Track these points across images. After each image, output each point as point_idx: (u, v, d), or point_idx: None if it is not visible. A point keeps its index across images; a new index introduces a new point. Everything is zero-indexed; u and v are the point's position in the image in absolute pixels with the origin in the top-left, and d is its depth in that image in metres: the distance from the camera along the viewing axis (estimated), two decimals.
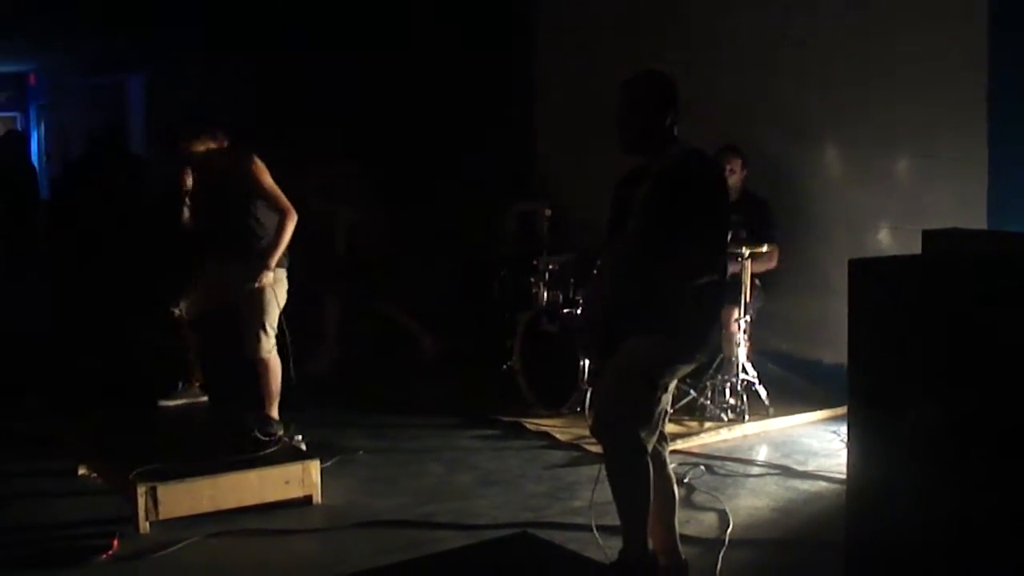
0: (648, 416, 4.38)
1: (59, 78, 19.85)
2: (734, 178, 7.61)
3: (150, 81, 15.72)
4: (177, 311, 6.68)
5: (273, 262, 6.44)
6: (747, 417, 7.30)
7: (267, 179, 6.50)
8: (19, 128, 21.14)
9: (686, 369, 4.64)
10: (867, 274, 3.82)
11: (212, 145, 6.53)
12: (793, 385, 7.98)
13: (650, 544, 4.53)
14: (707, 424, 7.26)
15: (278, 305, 6.55)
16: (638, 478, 4.39)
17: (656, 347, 4.40)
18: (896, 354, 3.72)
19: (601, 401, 4.57)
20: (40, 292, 11.26)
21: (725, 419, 7.31)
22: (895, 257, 4.27)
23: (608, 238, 4.66)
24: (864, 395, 3.85)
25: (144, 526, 5.31)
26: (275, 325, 6.56)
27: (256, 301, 6.48)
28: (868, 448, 3.79)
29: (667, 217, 4.34)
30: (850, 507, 3.93)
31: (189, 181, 6.65)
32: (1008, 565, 3.47)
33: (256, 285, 6.39)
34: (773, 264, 7.82)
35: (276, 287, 6.53)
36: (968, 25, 7.11)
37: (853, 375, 3.90)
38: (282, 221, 6.47)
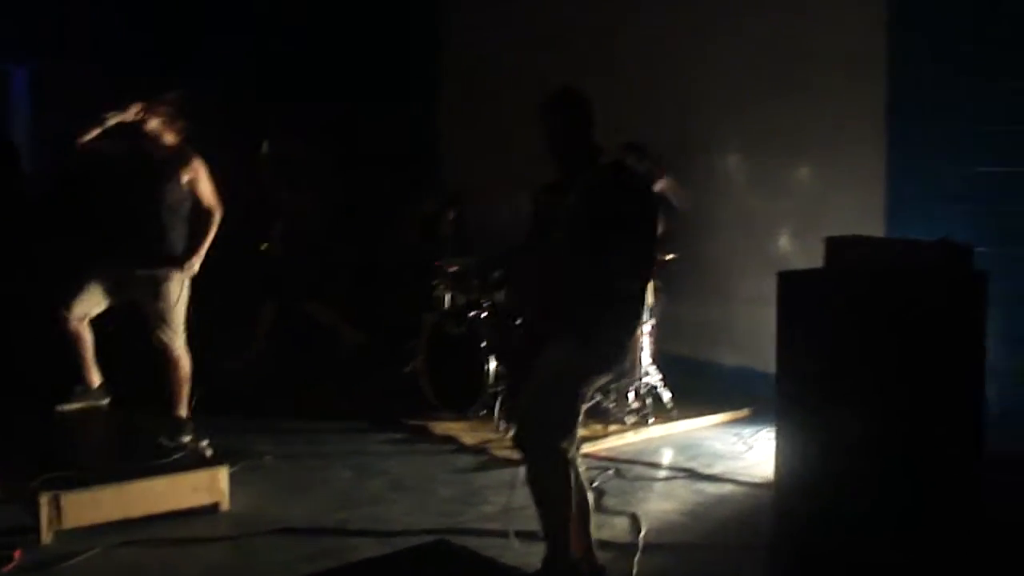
0: (572, 425, 4.41)
1: None
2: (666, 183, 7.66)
3: (37, 74, 15.32)
4: (67, 313, 6.45)
5: (203, 252, 6.44)
6: (651, 420, 7.35)
7: (207, 177, 6.49)
8: None
9: (605, 379, 4.67)
10: (795, 285, 3.87)
11: (167, 134, 6.41)
12: (693, 388, 8.05)
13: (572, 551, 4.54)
14: (611, 427, 7.28)
15: (184, 304, 6.46)
16: (562, 486, 4.42)
17: (578, 358, 4.43)
18: (822, 362, 3.78)
19: (526, 412, 4.54)
20: None
21: (628, 423, 7.35)
22: (821, 269, 4.33)
23: (529, 246, 4.67)
24: (790, 401, 3.91)
25: (47, 536, 5.16)
26: (183, 323, 6.47)
27: (164, 301, 6.40)
28: (793, 451, 3.85)
29: (599, 227, 4.35)
30: (776, 507, 3.99)
31: (90, 139, 6.29)
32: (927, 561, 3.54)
33: (186, 274, 6.40)
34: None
35: (178, 286, 6.45)
36: (869, 40, 7.27)
37: (781, 381, 3.95)
38: (212, 217, 6.50)
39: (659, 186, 7.62)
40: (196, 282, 6.50)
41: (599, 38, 9.07)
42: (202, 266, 6.50)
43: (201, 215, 6.53)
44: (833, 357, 3.70)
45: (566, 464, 4.40)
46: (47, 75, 14.49)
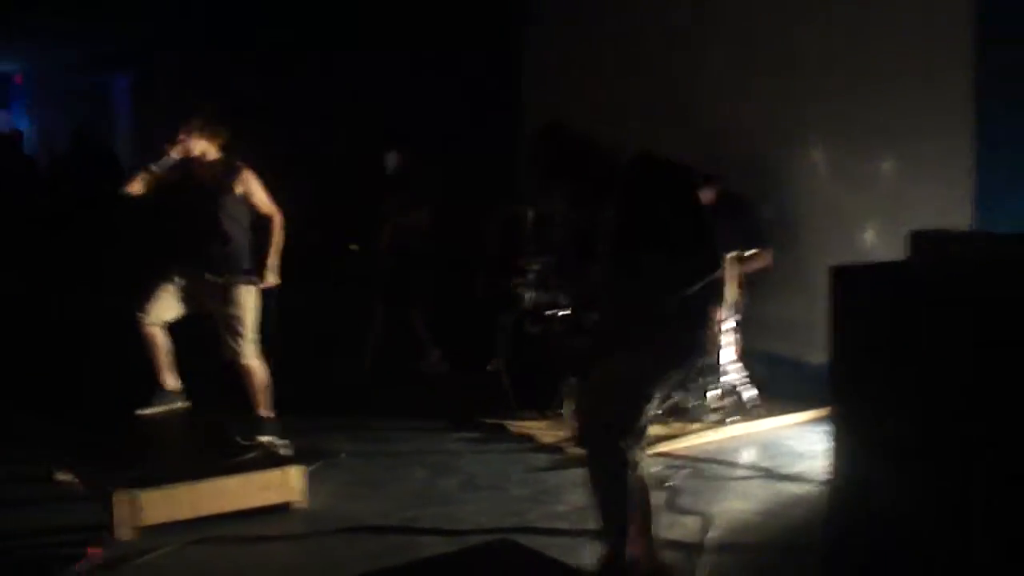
0: (632, 425, 4.35)
1: (45, 78, 19.79)
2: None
3: (135, 81, 15.68)
4: (144, 316, 6.54)
5: (276, 261, 6.54)
6: (733, 419, 7.26)
7: (259, 186, 6.54)
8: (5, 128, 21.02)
9: (675, 378, 4.59)
10: (848, 280, 3.77)
11: (211, 149, 6.47)
12: (779, 386, 7.93)
13: (629, 551, 4.49)
14: (693, 425, 7.21)
15: (255, 310, 6.54)
16: (619, 486, 4.36)
17: (643, 357, 4.37)
18: (876, 360, 3.68)
19: (586, 409, 4.52)
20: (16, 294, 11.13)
21: (711, 421, 7.27)
22: (876, 263, 4.23)
23: (577, 263, 4.65)
24: (846, 400, 3.81)
25: (123, 533, 5.26)
26: (255, 330, 6.54)
27: (235, 306, 6.46)
28: (849, 453, 3.75)
29: (637, 236, 4.29)
30: (830, 511, 3.90)
31: (138, 187, 6.45)
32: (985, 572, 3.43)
33: (262, 286, 6.52)
34: (768, 263, 7.75)
35: (249, 292, 6.54)
36: (954, 26, 7.08)
37: (835, 380, 3.86)
38: (274, 220, 6.59)
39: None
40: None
41: (679, 33, 8.97)
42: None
43: (263, 224, 6.59)
44: (888, 355, 3.60)
45: (624, 464, 4.35)
46: (144, 83, 14.89)
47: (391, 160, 9.09)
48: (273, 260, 6.58)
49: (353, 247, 9.45)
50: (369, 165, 9.32)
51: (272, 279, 6.58)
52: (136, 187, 6.42)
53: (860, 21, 7.66)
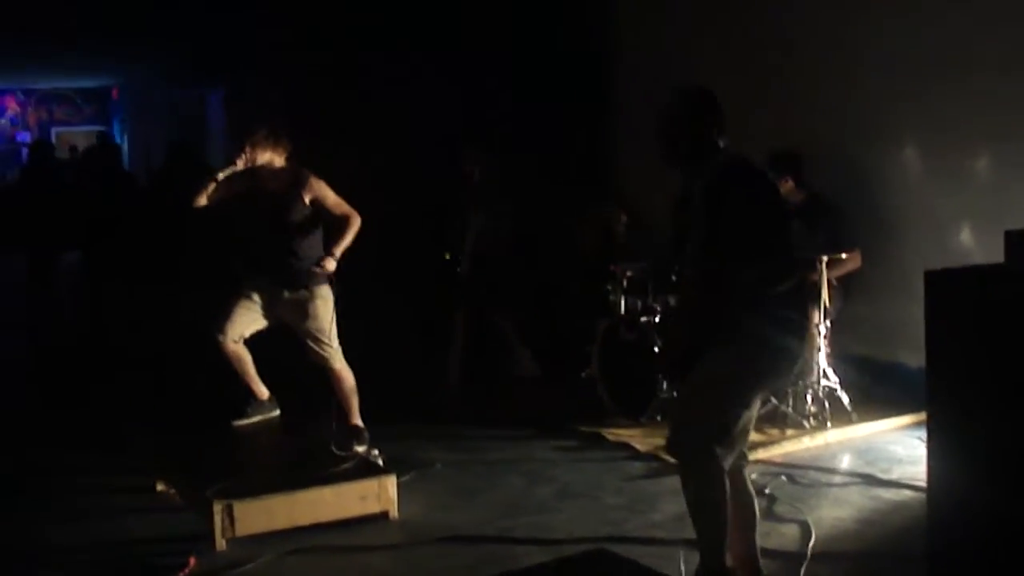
0: (724, 431, 4.30)
1: (141, 93, 20.14)
2: (786, 188, 7.46)
3: (228, 96, 15.89)
4: (222, 336, 6.57)
5: (339, 253, 6.45)
6: (830, 424, 7.16)
7: (329, 190, 6.53)
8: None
9: (772, 383, 4.54)
10: (944, 285, 3.71)
11: (276, 158, 6.49)
12: (876, 390, 7.81)
13: (729, 560, 4.45)
14: (789, 432, 7.10)
15: (333, 318, 6.58)
16: (714, 494, 4.32)
17: (733, 360, 4.32)
18: (975, 365, 3.61)
19: (677, 415, 4.49)
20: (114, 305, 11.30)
21: (807, 426, 7.17)
22: (973, 267, 4.16)
23: (678, 257, 4.61)
24: (943, 405, 3.76)
25: (221, 543, 5.32)
26: (335, 336, 6.60)
27: (314, 319, 6.53)
28: (948, 459, 3.69)
29: (717, 233, 4.24)
30: (931, 518, 3.84)
31: (204, 199, 6.44)
32: None
33: (319, 271, 6.42)
34: (857, 264, 7.67)
35: (326, 303, 6.56)
36: None
37: (932, 385, 3.80)
38: (351, 221, 6.51)
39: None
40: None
41: (768, 31, 8.87)
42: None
43: (338, 224, 6.54)
44: (985, 359, 3.54)
45: (720, 471, 4.30)
46: (237, 98, 15.06)
47: (476, 170, 9.05)
48: (338, 251, 6.45)
49: (447, 256, 9.49)
50: (454, 174, 9.34)
51: (331, 266, 6.42)
52: (202, 199, 6.44)
53: (958, 16, 7.50)
